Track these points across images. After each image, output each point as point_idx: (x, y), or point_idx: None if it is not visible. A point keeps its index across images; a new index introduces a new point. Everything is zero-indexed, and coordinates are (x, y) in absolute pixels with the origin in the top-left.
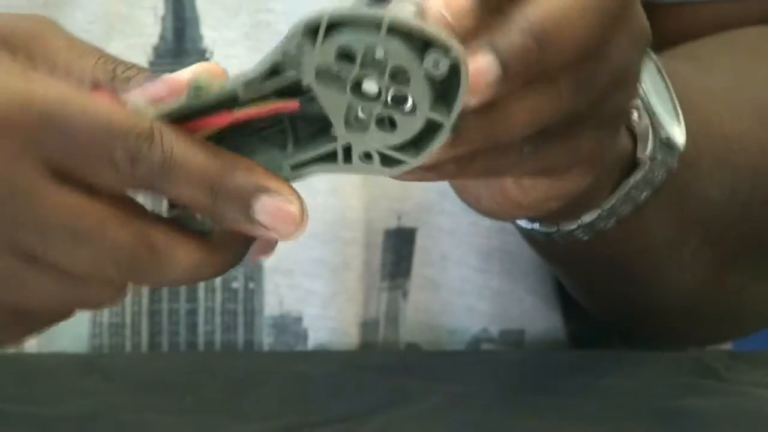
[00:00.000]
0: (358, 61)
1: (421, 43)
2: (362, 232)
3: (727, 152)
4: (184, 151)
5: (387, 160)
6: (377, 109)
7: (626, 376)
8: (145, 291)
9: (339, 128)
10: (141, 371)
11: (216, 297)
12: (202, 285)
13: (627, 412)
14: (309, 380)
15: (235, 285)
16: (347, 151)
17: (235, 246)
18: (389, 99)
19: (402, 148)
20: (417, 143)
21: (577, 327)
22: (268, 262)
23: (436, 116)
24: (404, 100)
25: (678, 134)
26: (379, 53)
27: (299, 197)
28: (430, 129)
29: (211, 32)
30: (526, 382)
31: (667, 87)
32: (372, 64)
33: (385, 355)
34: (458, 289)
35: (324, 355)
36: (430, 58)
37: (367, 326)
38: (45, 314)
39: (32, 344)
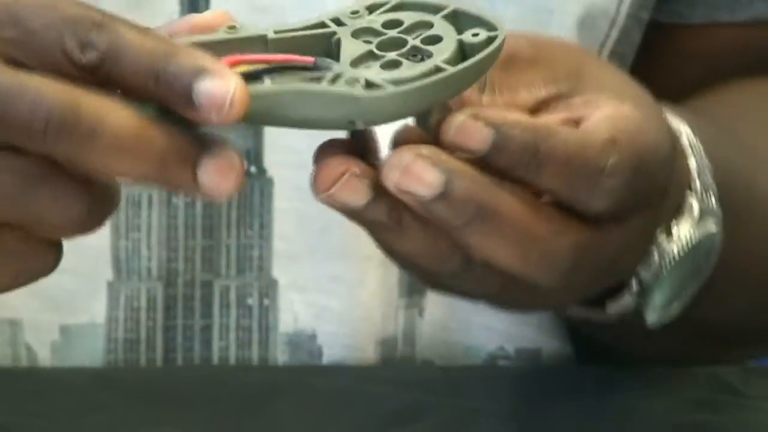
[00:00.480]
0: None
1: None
2: (378, 249)
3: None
4: (131, 36)
5: (370, 86)
6: (390, 55)
7: (642, 392)
8: (159, 306)
9: (344, 64)
10: (156, 385)
11: (231, 313)
12: (216, 301)
13: (643, 428)
14: (323, 395)
15: (249, 301)
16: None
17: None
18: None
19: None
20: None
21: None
22: (284, 279)
23: (444, 65)
24: (419, 52)
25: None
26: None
27: (240, 82)
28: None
29: None
30: (542, 398)
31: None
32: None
33: (400, 370)
34: (475, 307)
35: (338, 370)
36: (470, 31)
37: (385, 344)
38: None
39: (47, 360)
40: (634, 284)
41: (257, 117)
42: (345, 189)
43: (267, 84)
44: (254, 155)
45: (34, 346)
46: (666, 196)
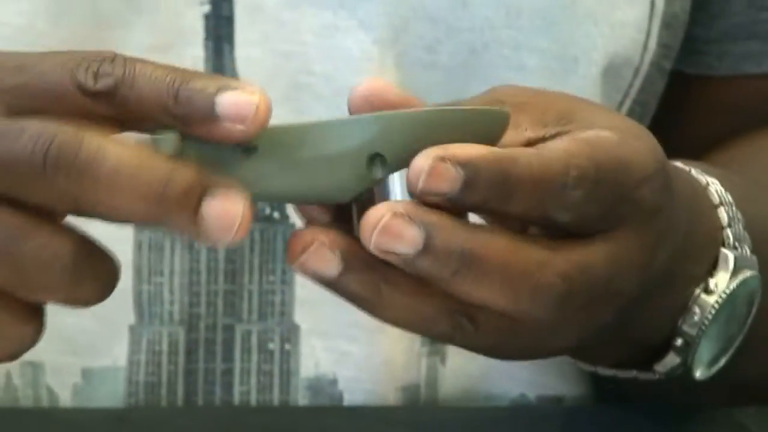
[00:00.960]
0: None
1: None
2: None
3: None
4: (145, 63)
5: None
6: None
7: None
8: (181, 350)
9: None
10: (174, 425)
11: (252, 357)
12: (238, 345)
13: None
14: None
15: (271, 346)
16: None
17: None
18: None
19: None
20: None
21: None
22: (305, 324)
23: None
24: None
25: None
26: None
27: (261, 90)
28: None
29: None
30: None
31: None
32: None
33: (421, 412)
34: None
35: (359, 411)
36: None
37: (407, 390)
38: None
39: (68, 402)
40: (678, 341)
41: (273, 160)
42: (314, 258)
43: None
44: (277, 202)
45: (55, 388)
46: (659, 218)
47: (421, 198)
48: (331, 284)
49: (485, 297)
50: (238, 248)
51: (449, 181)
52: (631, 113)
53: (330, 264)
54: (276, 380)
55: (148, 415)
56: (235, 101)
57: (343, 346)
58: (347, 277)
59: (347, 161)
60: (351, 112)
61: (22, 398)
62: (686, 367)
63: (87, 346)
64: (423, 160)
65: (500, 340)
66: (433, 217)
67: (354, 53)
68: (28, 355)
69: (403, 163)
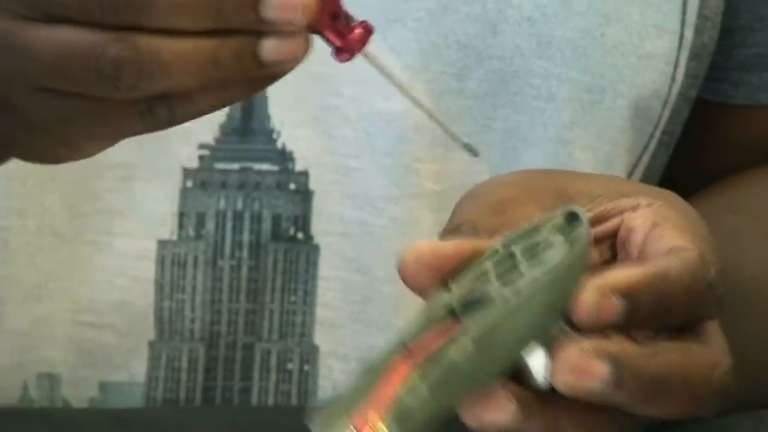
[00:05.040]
0: None
1: None
2: None
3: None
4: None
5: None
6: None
7: None
8: (200, 367)
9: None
10: (174, 425)
11: (270, 377)
12: (257, 364)
13: None
14: None
15: (290, 366)
16: None
17: None
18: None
19: None
20: None
21: None
22: (325, 346)
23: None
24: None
25: None
26: None
27: None
28: None
29: (279, 113)
30: None
31: None
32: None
33: None
34: None
35: None
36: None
37: None
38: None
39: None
40: None
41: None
42: (491, 407)
43: (485, 318)
44: (302, 222)
45: (71, 401)
46: None
47: (587, 330)
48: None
49: (669, 413)
50: (261, 267)
51: (615, 314)
52: (660, 144)
53: (506, 409)
54: (293, 400)
55: (147, 416)
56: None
57: None
58: (529, 421)
59: (533, 330)
60: (409, 280)
61: None
62: None
63: (105, 360)
64: (589, 297)
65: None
66: (619, 349)
67: (383, 78)
68: (45, 368)
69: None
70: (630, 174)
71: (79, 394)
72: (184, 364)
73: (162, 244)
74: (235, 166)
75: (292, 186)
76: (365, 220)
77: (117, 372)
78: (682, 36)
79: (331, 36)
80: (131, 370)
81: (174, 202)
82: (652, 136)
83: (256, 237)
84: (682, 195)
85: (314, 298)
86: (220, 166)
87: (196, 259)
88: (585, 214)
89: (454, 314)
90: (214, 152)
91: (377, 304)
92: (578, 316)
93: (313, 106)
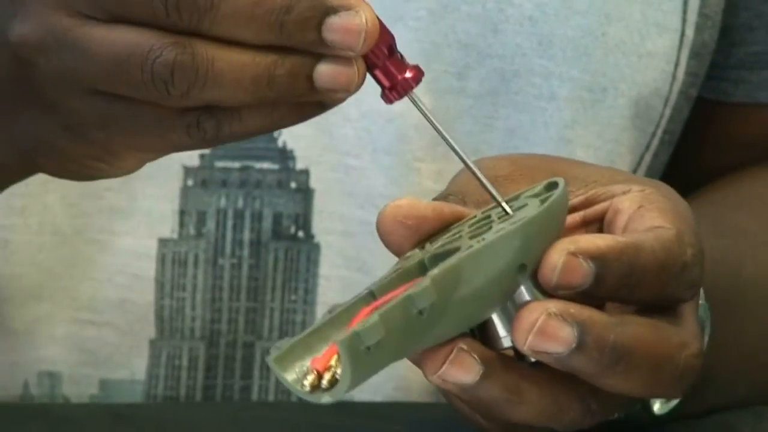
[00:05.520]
0: None
1: None
2: None
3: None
4: None
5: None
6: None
7: None
8: (200, 365)
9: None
10: (173, 421)
11: (271, 375)
12: (257, 362)
13: None
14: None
15: None
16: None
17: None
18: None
19: None
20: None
21: None
22: None
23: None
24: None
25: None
26: None
27: (367, 6)
28: None
29: None
30: None
31: None
32: None
33: (416, 409)
34: None
35: (351, 407)
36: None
37: (403, 390)
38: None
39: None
40: None
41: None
42: (455, 365)
43: (448, 261)
44: (303, 221)
45: (72, 398)
46: None
47: (553, 293)
48: (469, 391)
49: (632, 387)
50: (262, 266)
51: (582, 276)
52: (661, 143)
53: (471, 369)
54: (293, 399)
55: (146, 411)
56: (341, 28)
57: None
58: (488, 382)
59: (498, 283)
60: (386, 237)
61: None
62: (643, 403)
63: (106, 358)
64: (556, 257)
65: (617, 411)
66: (585, 315)
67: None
68: (46, 366)
69: (535, 264)
70: (633, 173)
71: (79, 391)
72: (185, 362)
73: (163, 242)
74: (236, 164)
75: (293, 184)
76: (366, 219)
77: (117, 370)
78: (683, 34)
79: (380, 75)
80: (132, 368)
81: (175, 201)
82: (653, 135)
83: (257, 235)
84: (682, 193)
85: (315, 297)
86: (220, 164)
87: (196, 257)
88: (564, 183)
89: (425, 271)
90: (214, 150)
91: None
92: (544, 275)
93: None
